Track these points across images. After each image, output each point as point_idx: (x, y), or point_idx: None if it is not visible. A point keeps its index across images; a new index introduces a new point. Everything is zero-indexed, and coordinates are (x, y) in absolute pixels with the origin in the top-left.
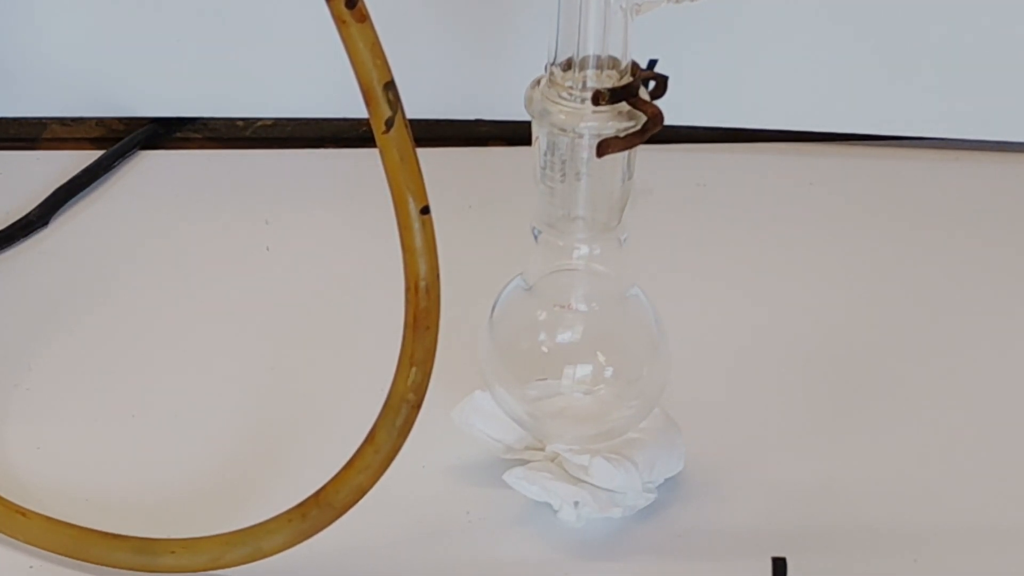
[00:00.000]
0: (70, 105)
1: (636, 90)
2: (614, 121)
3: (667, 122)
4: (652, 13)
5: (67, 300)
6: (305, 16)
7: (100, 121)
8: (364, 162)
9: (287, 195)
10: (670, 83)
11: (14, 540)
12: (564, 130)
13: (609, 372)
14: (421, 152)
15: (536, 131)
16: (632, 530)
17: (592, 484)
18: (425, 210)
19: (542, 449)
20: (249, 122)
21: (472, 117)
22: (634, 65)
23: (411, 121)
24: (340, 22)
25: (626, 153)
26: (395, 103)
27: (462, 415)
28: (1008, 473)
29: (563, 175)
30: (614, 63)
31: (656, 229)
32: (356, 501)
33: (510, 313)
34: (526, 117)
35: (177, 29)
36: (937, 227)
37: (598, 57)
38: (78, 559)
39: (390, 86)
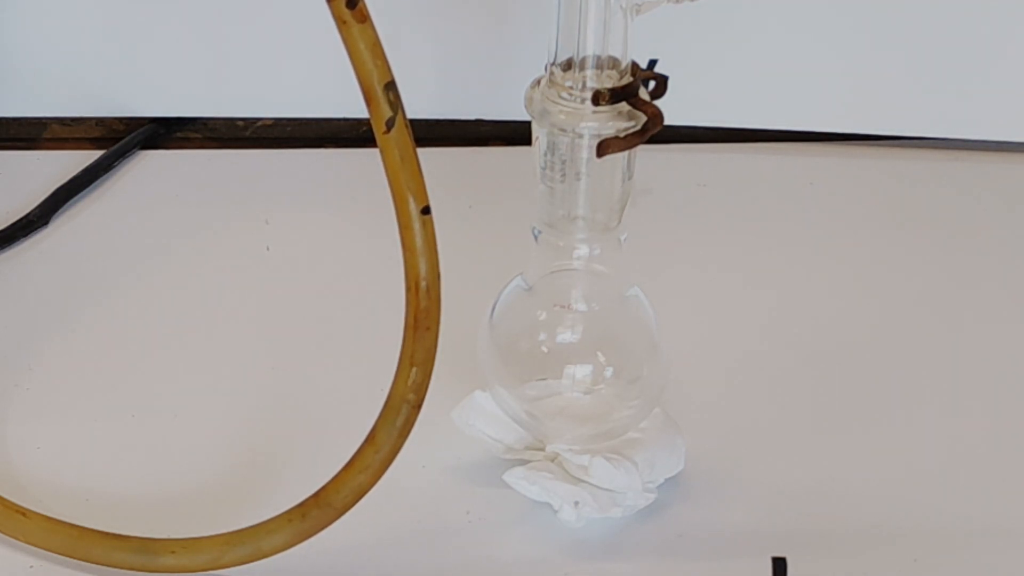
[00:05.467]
0: (70, 105)
1: (636, 90)
2: (614, 121)
3: (667, 122)
4: (652, 13)
5: (67, 300)
6: (305, 16)
7: (100, 121)
8: (364, 162)
9: (287, 195)
10: (670, 83)
11: (14, 540)
12: (564, 130)
13: (609, 372)
14: (421, 152)
15: (536, 131)
16: (632, 530)
17: (592, 484)
18: (426, 210)
19: (542, 449)
20: (249, 122)
21: (472, 117)
22: (634, 65)
23: (411, 121)
24: (341, 22)
25: (626, 153)
26: (396, 103)
27: (462, 415)
28: (1008, 473)
29: (563, 175)
30: (614, 63)
31: (656, 229)
32: (356, 501)
33: (510, 313)
34: (526, 117)
35: (177, 29)
36: (937, 227)
37: (598, 57)
38: (78, 559)
39: (391, 86)
